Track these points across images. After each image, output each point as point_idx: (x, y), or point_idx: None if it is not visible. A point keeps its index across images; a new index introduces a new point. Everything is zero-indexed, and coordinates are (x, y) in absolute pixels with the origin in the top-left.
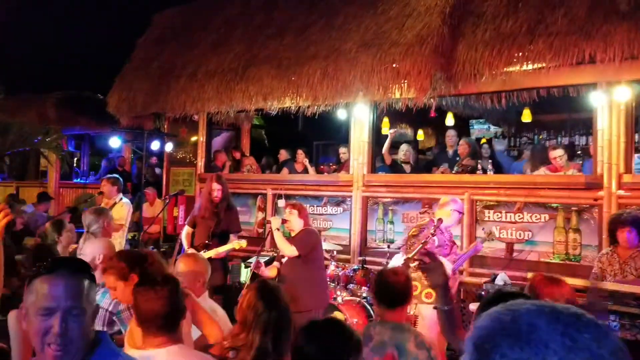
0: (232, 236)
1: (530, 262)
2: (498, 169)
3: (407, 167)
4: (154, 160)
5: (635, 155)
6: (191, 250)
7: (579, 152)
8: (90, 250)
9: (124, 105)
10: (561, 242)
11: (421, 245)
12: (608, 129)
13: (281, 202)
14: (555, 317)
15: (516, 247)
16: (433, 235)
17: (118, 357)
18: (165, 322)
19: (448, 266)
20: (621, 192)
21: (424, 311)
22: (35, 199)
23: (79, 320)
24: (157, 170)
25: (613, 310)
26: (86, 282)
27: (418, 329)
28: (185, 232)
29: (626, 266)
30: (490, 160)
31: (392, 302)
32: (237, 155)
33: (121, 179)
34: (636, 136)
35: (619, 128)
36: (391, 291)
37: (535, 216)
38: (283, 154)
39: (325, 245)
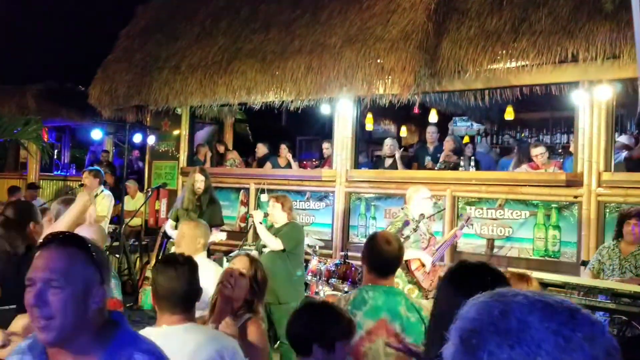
0: (214, 229)
1: (510, 258)
2: (479, 168)
3: (389, 161)
4: (136, 153)
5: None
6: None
7: (559, 150)
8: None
9: (106, 98)
10: (541, 238)
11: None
12: (589, 127)
13: (264, 197)
14: (549, 314)
15: (497, 243)
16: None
17: (140, 342)
18: (183, 300)
19: (427, 260)
20: (601, 190)
21: None
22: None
23: (59, 294)
24: (140, 164)
25: (603, 307)
26: (76, 257)
27: None
28: (169, 225)
29: (626, 263)
30: (472, 158)
31: (385, 271)
32: (221, 149)
33: (102, 172)
34: (616, 135)
35: (600, 127)
36: (384, 260)
37: (516, 213)
38: (261, 148)
39: (308, 240)
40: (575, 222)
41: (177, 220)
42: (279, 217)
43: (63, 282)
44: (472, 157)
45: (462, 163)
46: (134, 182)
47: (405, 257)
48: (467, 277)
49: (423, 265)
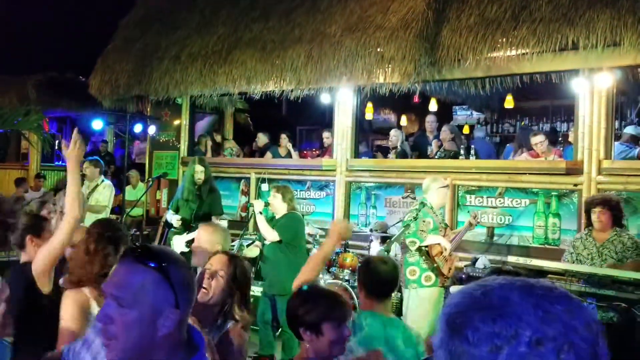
0: (213, 218)
1: (510, 246)
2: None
3: (391, 154)
4: (137, 143)
5: (616, 143)
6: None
7: (559, 139)
8: None
9: (106, 88)
10: (541, 226)
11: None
12: (589, 115)
13: (264, 186)
14: (528, 290)
15: (497, 231)
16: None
17: None
18: None
19: (447, 245)
20: (601, 178)
21: (422, 293)
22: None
23: (125, 314)
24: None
25: (590, 292)
26: (149, 276)
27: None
28: (170, 215)
29: (604, 249)
30: (472, 147)
31: (382, 293)
32: (218, 138)
33: (102, 162)
34: (616, 123)
35: (600, 114)
36: (381, 281)
37: (516, 201)
38: (261, 138)
39: (308, 229)
40: (575, 210)
41: (177, 211)
42: (279, 207)
43: (130, 302)
44: (472, 146)
45: (462, 152)
46: (136, 172)
47: (426, 243)
48: None
49: (441, 253)
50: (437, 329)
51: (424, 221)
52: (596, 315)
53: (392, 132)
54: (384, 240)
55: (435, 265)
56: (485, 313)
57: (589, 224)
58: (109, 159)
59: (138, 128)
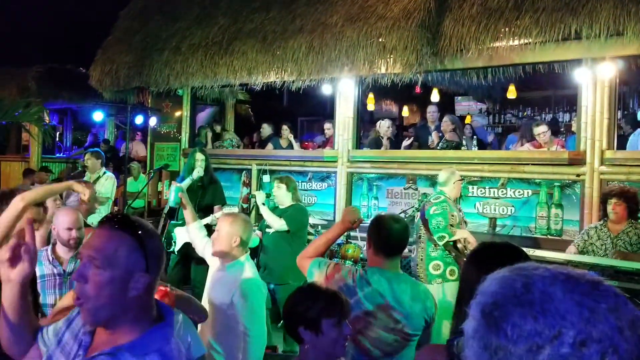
0: (216, 208)
1: (513, 236)
2: (481, 146)
3: (386, 143)
4: (138, 136)
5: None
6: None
7: (561, 129)
8: None
9: (107, 79)
10: (543, 217)
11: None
12: (592, 105)
13: (266, 178)
14: (572, 285)
15: (499, 222)
16: None
17: (166, 343)
18: None
19: (472, 238)
20: (603, 168)
21: (447, 290)
22: (18, 173)
23: (98, 275)
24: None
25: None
26: (124, 241)
27: None
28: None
29: (619, 241)
30: (474, 137)
31: (391, 251)
32: (217, 128)
33: (103, 153)
34: (619, 113)
35: (603, 105)
36: (391, 238)
37: (518, 192)
38: (265, 129)
39: (310, 220)
40: (577, 201)
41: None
42: (284, 198)
43: (105, 264)
44: (474, 137)
45: (464, 142)
46: (138, 164)
47: (455, 238)
48: (488, 256)
49: (465, 248)
50: (470, 316)
51: (452, 215)
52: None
53: (383, 123)
54: None
55: (456, 258)
56: (526, 309)
57: (605, 215)
58: (111, 155)
59: (139, 119)
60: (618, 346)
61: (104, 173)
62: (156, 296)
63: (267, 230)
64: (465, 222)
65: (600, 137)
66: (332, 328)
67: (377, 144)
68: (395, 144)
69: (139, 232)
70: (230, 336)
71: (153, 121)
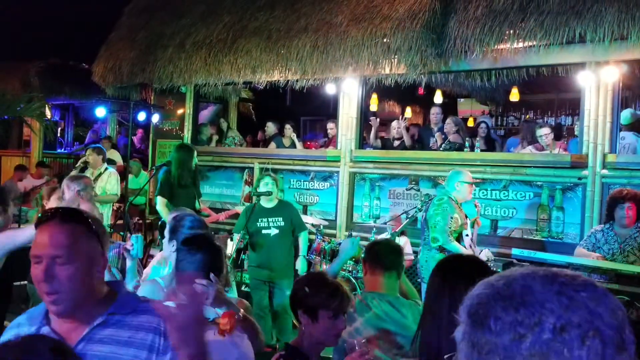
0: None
1: (514, 239)
2: (492, 147)
3: (397, 143)
4: (140, 132)
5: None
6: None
7: (564, 134)
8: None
9: (110, 75)
10: (544, 219)
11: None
12: (595, 109)
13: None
14: (551, 278)
15: (500, 224)
16: None
17: (138, 299)
18: None
19: (485, 254)
20: (605, 172)
21: None
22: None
23: (66, 269)
24: (143, 145)
25: (607, 288)
26: (78, 231)
27: None
28: (162, 203)
29: (627, 246)
30: (484, 139)
31: (386, 266)
32: (224, 126)
33: (105, 149)
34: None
35: (606, 108)
36: (384, 253)
37: (520, 194)
38: (270, 127)
39: (312, 220)
40: (579, 204)
41: (171, 199)
42: (276, 194)
43: (69, 258)
44: (477, 138)
45: (467, 144)
46: (137, 163)
47: (447, 247)
48: (453, 268)
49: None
50: (460, 322)
51: (451, 218)
52: (620, 303)
53: (393, 124)
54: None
55: None
56: (507, 302)
57: (610, 218)
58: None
59: (142, 116)
60: (599, 330)
61: (106, 169)
62: (222, 319)
63: (266, 231)
64: (477, 222)
65: (603, 141)
66: (327, 319)
67: (386, 144)
68: (404, 144)
69: (88, 219)
70: None
71: (155, 118)
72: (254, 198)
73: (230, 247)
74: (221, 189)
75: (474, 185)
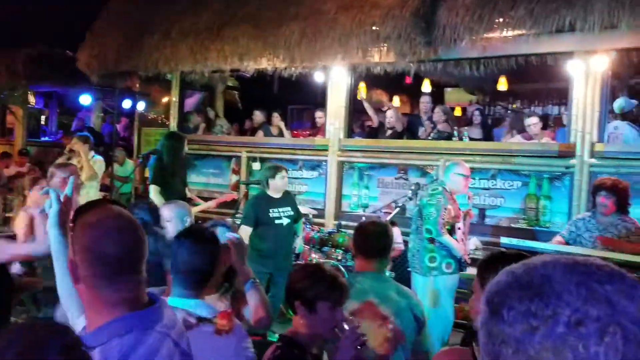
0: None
1: (501, 227)
2: (488, 134)
3: (388, 133)
4: (124, 121)
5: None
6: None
7: (550, 123)
8: None
9: (95, 63)
10: (532, 208)
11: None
12: (583, 98)
13: (256, 165)
14: (572, 267)
15: (488, 212)
16: None
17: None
18: (198, 278)
19: (473, 242)
20: (593, 161)
21: (441, 283)
22: None
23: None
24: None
25: None
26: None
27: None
28: (156, 191)
29: (607, 233)
30: (480, 128)
31: (371, 251)
32: (211, 114)
33: (91, 137)
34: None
35: (594, 97)
36: (369, 240)
37: (508, 183)
38: (258, 116)
39: (300, 209)
40: (566, 193)
41: (163, 187)
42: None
43: None
44: (467, 127)
45: (455, 133)
46: (122, 151)
47: (440, 240)
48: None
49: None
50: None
51: (445, 209)
52: None
53: (388, 113)
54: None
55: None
56: (524, 292)
57: (594, 206)
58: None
59: (127, 104)
60: (621, 326)
61: (92, 157)
62: (220, 319)
63: (279, 222)
64: (470, 214)
65: (591, 130)
66: (326, 310)
67: (374, 133)
68: (399, 134)
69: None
70: None
71: (141, 106)
72: (241, 187)
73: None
74: (208, 177)
75: (469, 179)
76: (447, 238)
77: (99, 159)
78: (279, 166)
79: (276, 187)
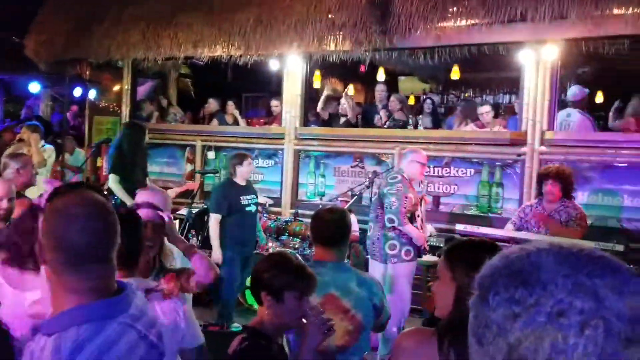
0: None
1: (455, 214)
2: (438, 123)
3: (342, 120)
4: (74, 109)
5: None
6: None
7: (501, 112)
8: None
9: (43, 50)
10: (485, 195)
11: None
12: (534, 87)
13: (211, 154)
14: (564, 257)
15: (442, 200)
16: None
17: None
18: (124, 257)
19: (428, 229)
20: (543, 148)
21: (400, 270)
22: None
23: None
24: (79, 120)
25: None
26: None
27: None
28: (115, 180)
29: (552, 219)
30: (431, 117)
31: (328, 240)
32: (164, 103)
33: (42, 126)
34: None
35: (545, 87)
36: (326, 228)
37: (462, 170)
38: (212, 104)
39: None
40: (517, 180)
41: (123, 176)
42: None
43: None
44: (420, 116)
45: (410, 121)
46: (71, 140)
47: (402, 229)
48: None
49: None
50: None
51: (406, 198)
52: None
53: (342, 100)
54: None
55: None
56: (511, 278)
57: (540, 194)
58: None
59: (77, 92)
60: (605, 319)
61: (43, 146)
62: (166, 284)
63: (248, 209)
64: (425, 199)
65: (541, 118)
66: (293, 300)
67: (329, 122)
68: (348, 122)
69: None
70: None
71: (92, 94)
72: (199, 176)
73: (214, 230)
74: (162, 166)
75: (426, 166)
76: (409, 228)
77: (50, 147)
78: (245, 154)
79: (243, 174)
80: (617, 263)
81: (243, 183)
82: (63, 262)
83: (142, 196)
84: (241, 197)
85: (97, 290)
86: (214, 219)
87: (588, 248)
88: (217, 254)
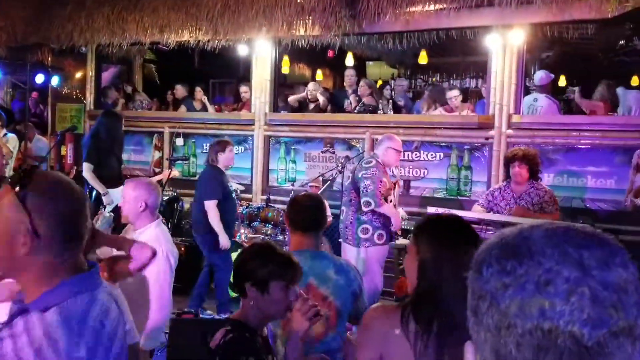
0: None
1: (425, 197)
2: (398, 109)
3: (311, 106)
4: (35, 95)
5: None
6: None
7: (468, 96)
8: None
9: (2, 34)
10: (454, 179)
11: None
12: (501, 71)
13: (179, 141)
14: (554, 231)
15: (413, 184)
16: None
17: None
18: None
19: (399, 223)
20: (510, 132)
21: (373, 253)
22: None
23: None
24: (41, 107)
25: None
26: (4, 198)
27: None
28: (89, 169)
29: (521, 201)
30: (390, 101)
31: (308, 226)
32: (129, 89)
33: (4, 114)
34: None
35: (511, 71)
36: (304, 213)
37: (431, 154)
38: (180, 90)
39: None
40: (485, 163)
41: (98, 165)
42: None
43: None
44: (390, 100)
45: (380, 106)
46: (32, 127)
47: (380, 211)
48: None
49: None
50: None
51: (381, 181)
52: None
53: (310, 86)
54: None
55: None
56: (503, 251)
57: (507, 176)
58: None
59: (40, 79)
60: (591, 288)
61: (5, 135)
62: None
63: (233, 194)
64: (398, 184)
65: (508, 102)
66: (279, 291)
67: (300, 107)
68: (318, 107)
69: (26, 191)
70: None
71: (54, 81)
72: (171, 163)
73: (215, 215)
74: (129, 154)
75: (400, 153)
76: (386, 207)
77: (12, 136)
78: (227, 140)
79: (225, 161)
80: (605, 237)
81: (224, 169)
82: (59, 241)
83: (129, 186)
84: (228, 183)
85: (80, 265)
86: (212, 205)
87: (582, 225)
88: (225, 239)
